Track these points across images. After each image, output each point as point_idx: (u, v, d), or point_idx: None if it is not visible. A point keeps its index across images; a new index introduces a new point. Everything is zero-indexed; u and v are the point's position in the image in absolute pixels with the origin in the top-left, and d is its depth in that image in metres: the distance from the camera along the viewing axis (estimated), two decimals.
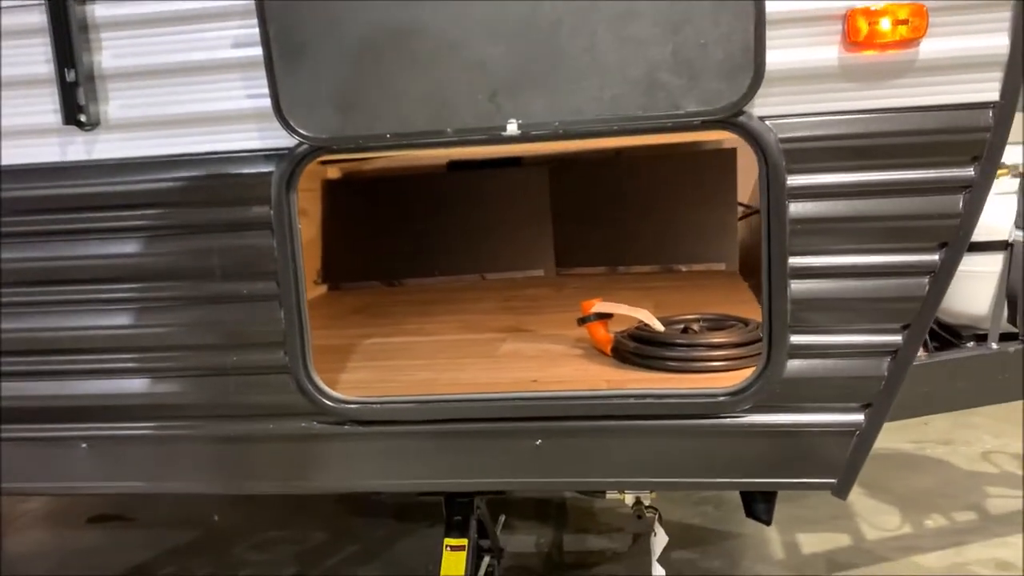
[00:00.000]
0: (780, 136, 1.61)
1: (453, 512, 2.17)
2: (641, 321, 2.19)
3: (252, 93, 1.70)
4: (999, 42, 1.54)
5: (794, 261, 1.65)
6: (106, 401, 1.87)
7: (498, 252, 3.64)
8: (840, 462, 1.71)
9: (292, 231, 1.76)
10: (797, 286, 1.66)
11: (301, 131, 1.68)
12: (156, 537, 3.33)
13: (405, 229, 3.66)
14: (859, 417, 1.69)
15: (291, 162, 1.72)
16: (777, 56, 1.58)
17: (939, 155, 1.59)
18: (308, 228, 3.67)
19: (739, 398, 1.71)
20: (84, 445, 1.91)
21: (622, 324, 2.27)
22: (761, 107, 1.61)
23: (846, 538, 2.89)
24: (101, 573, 3.02)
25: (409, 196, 3.68)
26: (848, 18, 1.56)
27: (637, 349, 2.10)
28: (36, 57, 1.74)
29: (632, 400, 1.75)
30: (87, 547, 3.27)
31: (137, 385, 1.86)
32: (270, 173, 1.73)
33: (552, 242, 3.56)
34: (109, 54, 1.75)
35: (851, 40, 1.56)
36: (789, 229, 1.64)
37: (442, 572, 2.13)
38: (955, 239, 1.60)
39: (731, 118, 1.60)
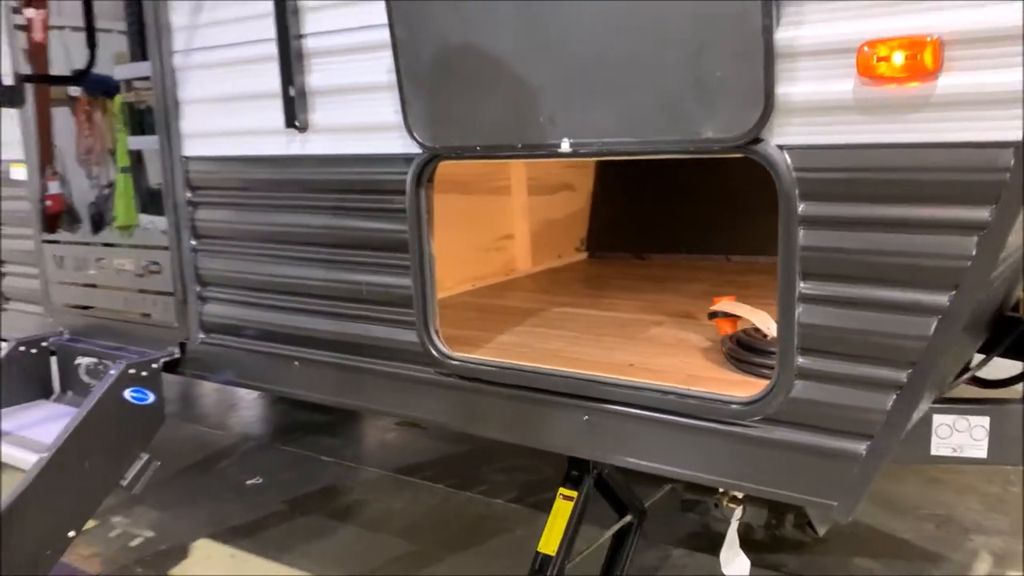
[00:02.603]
0: (794, 165, 1.67)
1: (572, 467, 2.51)
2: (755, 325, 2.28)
3: (396, 109, 2.18)
4: (1015, 77, 1.43)
5: (803, 286, 1.71)
6: (304, 332, 2.54)
7: (743, 235, 3.73)
8: (841, 487, 1.73)
9: (420, 218, 2.22)
10: (805, 310, 1.71)
11: (421, 141, 2.13)
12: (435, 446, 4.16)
13: (659, 207, 3.92)
14: (860, 448, 1.70)
15: (418, 165, 2.17)
16: (794, 87, 1.64)
17: (953, 194, 1.53)
18: (576, 201, 4.11)
19: (750, 409, 1.82)
20: (296, 363, 2.60)
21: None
22: (779, 136, 1.68)
23: None
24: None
25: (666, 177, 3.91)
26: (861, 51, 1.56)
27: (731, 351, 2.22)
28: (270, 78, 2.40)
29: (656, 393, 1.94)
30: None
31: (322, 323, 2.49)
32: (406, 172, 2.20)
33: None
34: (314, 77, 2.36)
35: (864, 74, 1.56)
36: (799, 255, 1.69)
37: (550, 515, 2.49)
38: (966, 282, 1.53)
39: (748, 145, 1.70)
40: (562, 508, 2.49)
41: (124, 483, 2.81)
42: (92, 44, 3.39)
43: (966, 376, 2.35)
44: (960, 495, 3.60)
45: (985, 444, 2.17)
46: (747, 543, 2.41)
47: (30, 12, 3.41)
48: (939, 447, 2.24)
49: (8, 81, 3.15)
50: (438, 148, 2.12)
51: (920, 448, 2.16)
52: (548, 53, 1.88)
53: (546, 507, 2.45)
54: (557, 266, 3.96)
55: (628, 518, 2.82)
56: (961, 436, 2.23)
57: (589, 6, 1.80)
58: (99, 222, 3.95)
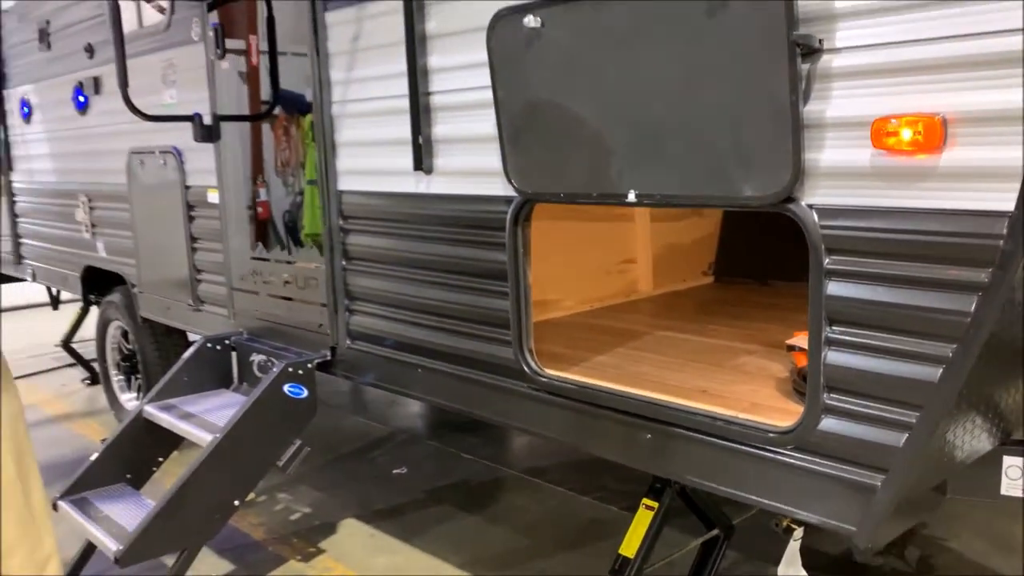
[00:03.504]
0: (821, 222, 1.87)
1: (656, 480, 2.76)
2: None
3: (499, 158, 2.53)
4: (1016, 154, 1.58)
5: (828, 331, 1.90)
6: (425, 344, 2.94)
7: None
8: (860, 514, 1.90)
9: (517, 251, 2.55)
10: (830, 353, 1.90)
11: (517, 186, 2.47)
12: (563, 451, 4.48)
13: (785, 233, 4.02)
14: (876, 480, 1.86)
15: (516, 206, 2.51)
16: (821, 154, 1.85)
17: (954, 256, 1.68)
18: (704, 226, 4.31)
19: (784, 438, 2.02)
20: (420, 371, 3.01)
21: None
22: (809, 196, 1.89)
23: None
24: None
25: None
26: (874, 126, 1.74)
27: (796, 384, 2.40)
28: (403, 128, 2.82)
29: (707, 418, 2.17)
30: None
31: (439, 337, 2.88)
32: (507, 212, 2.55)
33: None
34: (437, 128, 2.75)
35: (878, 145, 1.75)
36: (825, 303, 1.89)
37: (633, 521, 2.75)
38: (967, 338, 1.68)
39: (782, 203, 1.91)
40: (643, 516, 2.74)
41: (280, 464, 3.34)
42: (275, 83, 3.95)
43: None
44: None
45: None
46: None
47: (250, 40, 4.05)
48: (1009, 488, 2.33)
49: (207, 120, 3.77)
50: (530, 193, 2.45)
51: (990, 487, 2.27)
52: (619, 119, 2.17)
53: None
54: (679, 290, 4.18)
55: (715, 532, 3.03)
56: None
57: (651, 83, 2.07)
58: (292, 228, 4.59)
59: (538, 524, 3.90)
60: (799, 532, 2.45)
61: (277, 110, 4.23)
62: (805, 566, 2.59)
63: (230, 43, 3.95)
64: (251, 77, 4.21)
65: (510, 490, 4.30)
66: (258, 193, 4.32)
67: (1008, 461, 2.31)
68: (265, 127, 4.38)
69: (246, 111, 4.11)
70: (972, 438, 2.03)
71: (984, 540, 3.49)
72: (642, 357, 2.96)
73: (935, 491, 2.35)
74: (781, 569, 2.48)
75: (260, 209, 4.34)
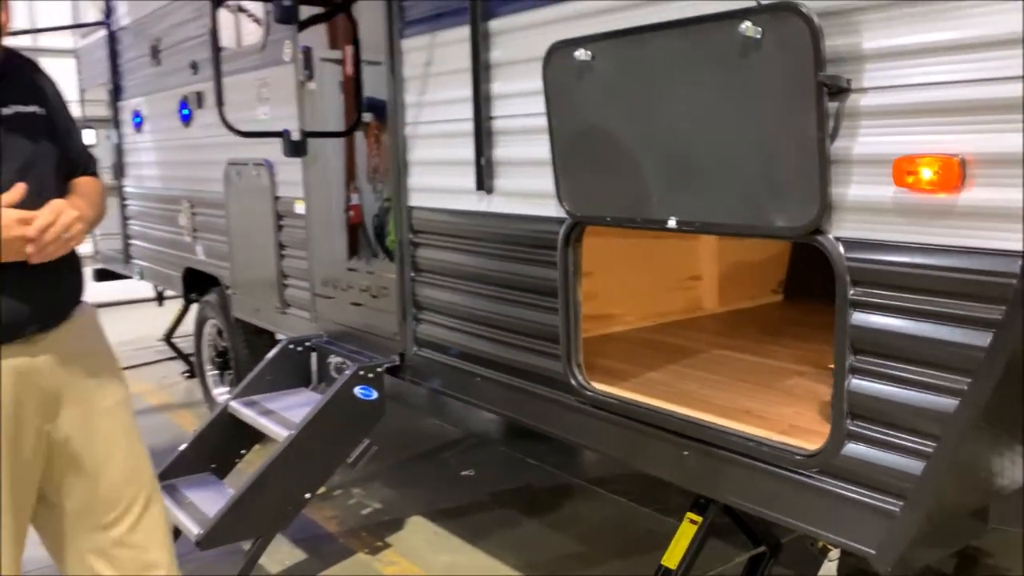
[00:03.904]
0: (846, 255, 1.94)
1: (700, 495, 2.84)
2: None
3: (552, 181, 2.66)
4: None
5: (852, 359, 1.96)
6: (483, 354, 3.09)
7: None
8: (880, 539, 1.95)
9: (567, 270, 2.68)
10: (853, 380, 1.96)
11: (568, 209, 2.60)
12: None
13: None
14: (895, 506, 1.91)
15: (567, 228, 2.64)
16: (847, 189, 1.92)
17: (970, 292, 1.73)
18: (775, 245, 4.32)
19: (810, 461, 2.08)
20: (478, 379, 3.17)
21: None
22: (836, 229, 1.96)
23: None
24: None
25: None
26: (895, 164, 1.80)
27: None
28: (467, 150, 2.98)
29: (739, 438, 2.25)
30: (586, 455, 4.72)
31: (495, 348, 3.03)
32: (558, 232, 2.68)
33: None
34: (498, 151, 2.91)
35: (899, 183, 1.81)
36: (849, 332, 1.95)
37: (676, 533, 2.84)
38: (981, 372, 1.72)
39: (811, 235, 1.99)
40: (687, 530, 2.82)
41: (349, 461, 3.55)
42: (359, 98, 4.16)
43: None
44: None
45: None
46: None
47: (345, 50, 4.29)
48: None
49: (295, 136, 4.03)
50: (580, 216, 2.58)
51: None
52: (660, 149, 2.28)
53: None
54: (746, 307, 4.21)
55: (761, 548, 3.08)
56: None
57: (690, 115, 2.18)
58: (380, 234, 4.83)
59: (595, 532, 4.01)
60: (835, 553, 2.50)
61: (369, 117, 4.46)
62: None
63: (328, 53, 4.21)
64: (346, 86, 4.45)
65: (572, 497, 4.41)
66: (350, 198, 4.56)
67: None
68: (358, 134, 4.61)
69: (341, 120, 4.35)
70: (1011, 465, 2.06)
71: None
72: (693, 375, 3.04)
73: (975, 519, 2.37)
74: None
75: (352, 213, 4.58)
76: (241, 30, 4.72)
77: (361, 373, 3.54)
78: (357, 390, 3.54)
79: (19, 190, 1.95)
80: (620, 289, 3.74)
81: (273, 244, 4.48)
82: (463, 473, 4.79)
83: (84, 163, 2.31)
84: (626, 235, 3.58)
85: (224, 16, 4.61)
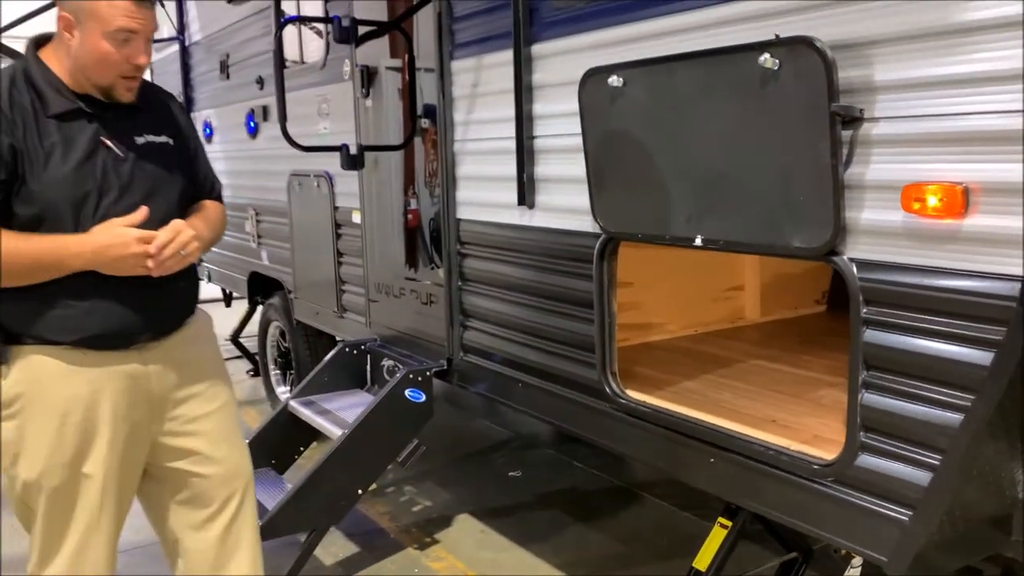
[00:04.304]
0: (859, 275, 2.03)
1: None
2: None
3: (587, 198, 2.79)
4: None
5: (864, 375, 2.05)
6: (524, 361, 3.24)
7: None
8: (891, 545, 2.04)
9: (603, 282, 2.81)
10: (866, 394, 2.06)
11: (602, 225, 2.73)
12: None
13: None
14: (904, 515, 2.00)
15: (601, 243, 2.78)
16: (860, 213, 2.02)
17: (975, 313, 1.82)
18: None
19: (826, 470, 2.18)
20: (520, 385, 3.32)
21: None
22: (850, 250, 2.06)
23: None
24: None
25: None
26: (903, 191, 1.90)
27: None
28: (510, 166, 3.14)
29: (762, 447, 2.35)
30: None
31: (536, 355, 3.18)
32: (594, 247, 2.82)
33: None
34: (540, 168, 3.05)
35: (907, 209, 1.90)
36: (862, 348, 2.05)
37: (708, 537, 2.94)
38: (985, 390, 1.81)
39: (826, 256, 2.09)
40: (717, 534, 2.93)
41: (399, 460, 3.74)
42: (414, 109, 4.34)
43: None
44: None
45: None
46: None
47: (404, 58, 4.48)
48: None
49: (353, 150, 4.24)
50: (613, 232, 2.71)
51: None
52: (687, 170, 2.40)
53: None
54: (788, 317, 4.28)
55: (793, 554, 3.16)
56: None
57: (713, 140, 2.30)
58: (436, 238, 5.02)
59: (636, 534, 4.12)
60: (857, 560, 2.58)
61: (427, 123, 4.63)
62: None
63: (390, 62, 4.40)
64: (404, 93, 4.63)
65: (615, 500, 4.53)
66: (408, 203, 4.75)
67: None
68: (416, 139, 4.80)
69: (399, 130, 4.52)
70: None
71: None
72: (726, 384, 3.14)
73: (996, 529, 2.44)
74: None
75: (410, 217, 4.78)
76: (304, 47, 4.96)
77: (411, 376, 3.72)
78: (407, 392, 3.72)
79: (141, 213, 2.19)
80: (662, 299, 3.85)
81: (332, 251, 4.70)
82: (510, 474, 4.95)
83: (209, 188, 2.58)
84: (668, 246, 3.68)
85: (288, 32, 4.86)
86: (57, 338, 2.21)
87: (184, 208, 2.42)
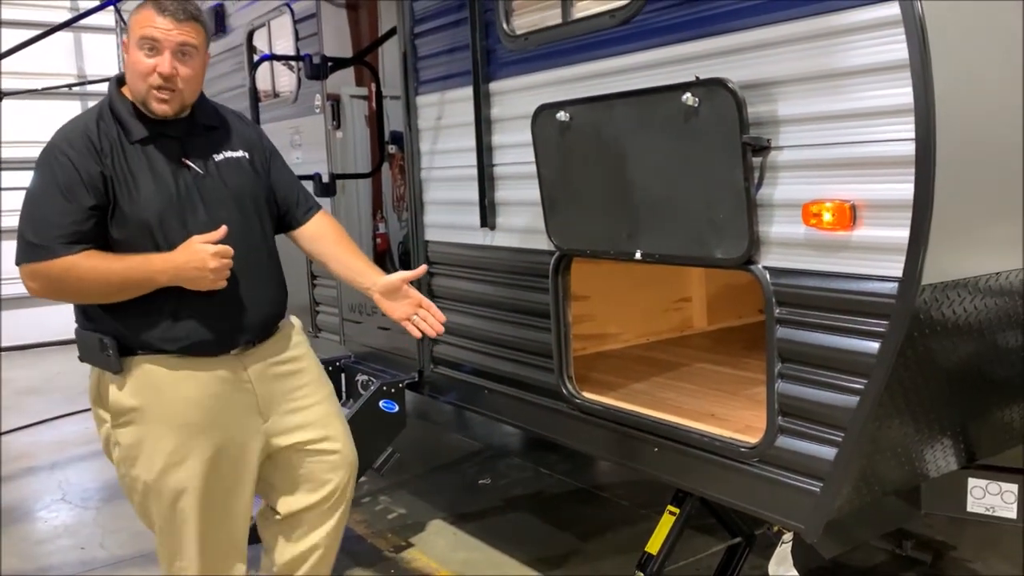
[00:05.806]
0: (772, 280, 2.37)
1: (679, 489, 3.25)
2: None
3: (542, 219, 3.11)
4: (904, 234, 2.04)
5: (779, 366, 2.38)
6: (490, 369, 3.55)
7: None
8: (806, 515, 2.36)
9: (558, 295, 3.13)
10: (780, 383, 2.39)
11: (555, 243, 3.05)
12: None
13: None
14: (816, 487, 2.33)
15: (555, 260, 3.10)
16: (771, 227, 2.36)
17: (864, 310, 2.16)
18: None
19: (752, 452, 2.50)
20: (486, 392, 3.62)
21: None
22: (764, 259, 2.39)
23: None
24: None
25: None
26: (804, 208, 2.24)
27: None
28: (472, 192, 3.45)
29: (697, 435, 2.68)
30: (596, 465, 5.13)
31: (500, 364, 3.48)
32: (549, 263, 3.13)
33: None
34: (499, 193, 3.37)
35: (807, 223, 2.24)
36: (776, 343, 2.38)
37: (658, 524, 3.25)
38: (874, 374, 2.14)
39: (744, 265, 2.42)
40: (667, 520, 3.22)
41: (375, 467, 4.00)
42: (381, 136, 4.65)
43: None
44: None
45: (1015, 507, 2.65)
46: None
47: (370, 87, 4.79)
48: (973, 505, 2.75)
49: (325, 178, 4.53)
50: (565, 249, 3.03)
51: (956, 504, 2.70)
52: (626, 193, 2.73)
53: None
54: (733, 326, 4.62)
55: (738, 539, 3.48)
56: (993, 498, 2.72)
57: (646, 166, 2.63)
58: (405, 260, 5.30)
59: (598, 531, 4.42)
60: (788, 536, 2.89)
61: (394, 149, 4.93)
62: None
63: (355, 90, 4.69)
64: (371, 120, 4.95)
65: (578, 501, 4.83)
66: (377, 227, 5.02)
67: (972, 482, 2.72)
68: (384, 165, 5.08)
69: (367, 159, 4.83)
70: (934, 455, 2.47)
71: (1008, 563, 3.76)
72: (672, 385, 3.46)
73: (907, 503, 2.78)
74: (772, 569, 2.92)
75: (379, 241, 5.05)
76: (276, 81, 5.25)
77: (384, 388, 3.99)
78: (381, 403, 4.00)
79: (221, 231, 2.36)
80: (615, 311, 4.17)
81: (306, 274, 4.97)
82: (480, 482, 5.22)
83: (302, 197, 2.79)
84: (615, 261, 4.02)
85: (261, 67, 5.15)
86: (165, 347, 2.39)
87: (268, 218, 2.62)
